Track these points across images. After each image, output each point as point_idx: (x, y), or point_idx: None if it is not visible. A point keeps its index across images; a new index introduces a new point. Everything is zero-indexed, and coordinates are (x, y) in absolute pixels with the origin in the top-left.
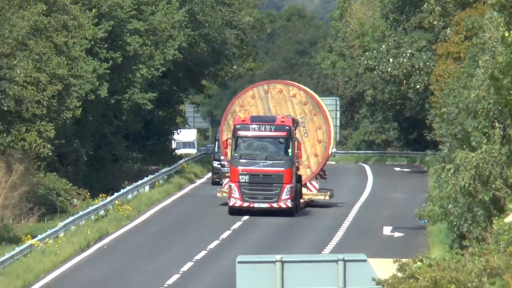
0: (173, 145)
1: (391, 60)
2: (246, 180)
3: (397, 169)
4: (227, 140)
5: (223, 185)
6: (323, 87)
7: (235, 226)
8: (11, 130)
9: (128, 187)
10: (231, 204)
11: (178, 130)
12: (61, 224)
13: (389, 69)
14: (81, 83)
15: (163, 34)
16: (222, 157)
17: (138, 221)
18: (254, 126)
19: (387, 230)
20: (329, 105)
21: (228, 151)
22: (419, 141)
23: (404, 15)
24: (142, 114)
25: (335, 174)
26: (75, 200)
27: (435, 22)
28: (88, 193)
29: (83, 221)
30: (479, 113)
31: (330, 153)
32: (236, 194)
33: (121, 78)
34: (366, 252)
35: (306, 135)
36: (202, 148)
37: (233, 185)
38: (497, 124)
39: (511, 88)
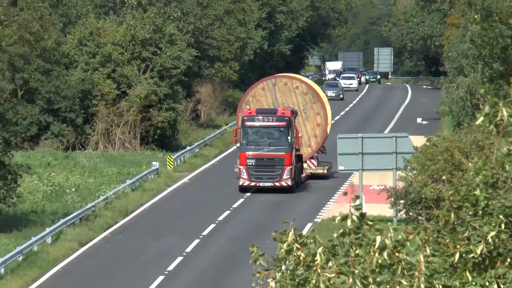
0: (326, 72)
1: (420, 28)
2: (253, 163)
3: (424, 86)
4: (236, 130)
5: (237, 164)
6: (383, 43)
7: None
8: (214, 66)
9: None
10: (240, 183)
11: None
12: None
13: (420, 29)
14: (252, 42)
15: (298, 12)
16: None
17: None
18: (259, 117)
19: (419, 120)
20: (386, 53)
21: (237, 139)
22: (437, 71)
23: (428, 2)
24: (285, 57)
25: (389, 89)
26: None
27: (444, 7)
28: None
29: None
30: (469, 55)
31: (327, 134)
32: (244, 175)
33: (273, 37)
34: (407, 132)
35: (307, 119)
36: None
37: (241, 167)
38: (478, 62)
39: (483, 46)
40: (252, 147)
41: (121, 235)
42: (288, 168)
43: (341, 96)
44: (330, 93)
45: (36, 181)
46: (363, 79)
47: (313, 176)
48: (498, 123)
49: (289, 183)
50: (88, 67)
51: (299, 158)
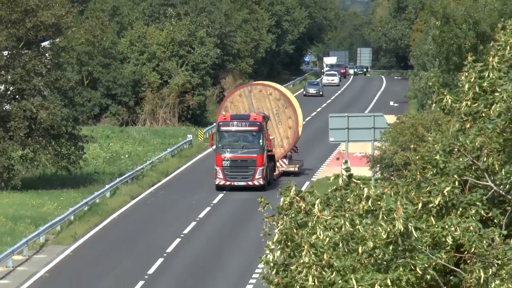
0: (324, 66)
1: (393, 31)
2: (228, 165)
3: (396, 77)
4: (212, 134)
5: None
6: (364, 44)
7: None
8: (235, 61)
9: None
10: (216, 183)
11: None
12: None
13: (392, 33)
14: (264, 43)
15: (298, 20)
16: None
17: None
18: (233, 122)
19: (391, 103)
20: (367, 51)
21: (214, 142)
22: (405, 66)
23: (400, 12)
24: (289, 55)
25: (369, 80)
26: None
27: (411, 16)
28: None
29: None
30: (429, 54)
31: (299, 136)
32: (220, 175)
33: (280, 40)
34: (382, 112)
35: (280, 123)
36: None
37: (218, 168)
38: (437, 59)
39: (442, 44)
40: (227, 150)
41: (163, 190)
42: (260, 168)
43: (321, 93)
44: (311, 90)
45: (98, 149)
46: (351, 71)
47: (285, 173)
48: (444, 107)
49: (261, 182)
50: (137, 62)
51: (271, 158)
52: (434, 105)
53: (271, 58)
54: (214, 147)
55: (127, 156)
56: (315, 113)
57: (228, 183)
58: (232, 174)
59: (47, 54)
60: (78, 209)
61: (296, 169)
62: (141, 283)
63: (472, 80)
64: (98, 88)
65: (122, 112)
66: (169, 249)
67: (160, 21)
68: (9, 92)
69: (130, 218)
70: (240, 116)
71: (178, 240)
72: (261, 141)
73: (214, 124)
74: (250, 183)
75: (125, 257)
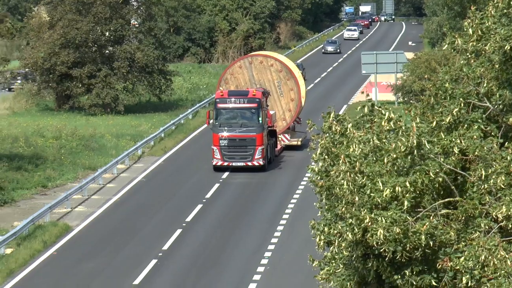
0: (360, 13)
1: None
2: (226, 144)
3: (413, 23)
4: (209, 111)
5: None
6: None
7: None
8: (286, 12)
9: (322, 31)
10: (214, 163)
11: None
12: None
13: None
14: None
15: None
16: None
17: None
18: (231, 99)
19: (410, 43)
20: (390, 2)
21: (210, 120)
22: (420, 14)
23: None
24: (329, 6)
25: (393, 25)
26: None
27: None
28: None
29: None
30: (439, 4)
31: (301, 107)
32: (217, 155)
33: (301, 6)
34: (403, 50)
35: (281, 95)
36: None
37: (215, 148)
38: (445, 7)
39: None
40: (225, 128)
41: None
42: (260, 148)
43: (338, 50)
44: (330, 48)
45: (182, 81)
46: (383, 18)
47: (288, 147)
48: (455, 47)
49: (261, 162)
50: (211, 13)
51: (273, 134)
52: (446, 45)
53: (315, 8)
54: (210, 125)
55: (204, 86)
56: (361, 41)
57: (226, 163)
58: (230, 154)
59: (142, 8)
60: (167, 128)
61: (299, 143)
62: (217, 185)
63: (474, 25)
64: (181, 34)
65: (200, 52)
66: None
67: None
68: (112, 38)
69: (208, 134)
70: (238, 92)
71: None
72: (260, 118)
73: (211, 98)
74: (249, 163)
75: (204, 165)
